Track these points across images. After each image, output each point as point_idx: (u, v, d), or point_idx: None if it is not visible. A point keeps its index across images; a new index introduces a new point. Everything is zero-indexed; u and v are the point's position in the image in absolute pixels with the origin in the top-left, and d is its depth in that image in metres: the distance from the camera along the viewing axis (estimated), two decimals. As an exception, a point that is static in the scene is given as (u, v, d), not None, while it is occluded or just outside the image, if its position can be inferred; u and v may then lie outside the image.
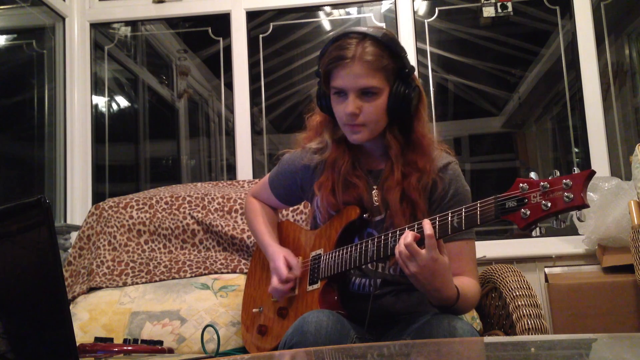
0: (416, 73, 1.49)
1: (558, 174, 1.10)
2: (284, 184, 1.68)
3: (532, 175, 1.13)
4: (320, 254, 1.51)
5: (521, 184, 1.13)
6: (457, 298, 1.30)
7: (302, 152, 1.62)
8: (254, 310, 1.67)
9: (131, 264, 2.13)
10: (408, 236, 1.24)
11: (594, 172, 1.08)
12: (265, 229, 1.69)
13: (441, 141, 1.55)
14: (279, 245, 1.63)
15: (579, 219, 1.09)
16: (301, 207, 2.11)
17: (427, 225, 1.23)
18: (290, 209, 2.12)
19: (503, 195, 1.15)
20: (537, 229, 1.14)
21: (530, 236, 2.71)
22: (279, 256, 1.56)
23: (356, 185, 1.48)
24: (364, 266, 1.46)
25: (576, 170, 1.09)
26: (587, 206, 1.07)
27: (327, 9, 3.23)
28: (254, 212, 1.76)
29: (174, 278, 2.08)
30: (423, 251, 1.22)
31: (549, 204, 1.08)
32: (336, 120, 1.51)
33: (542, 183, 1.10)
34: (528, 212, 1.11)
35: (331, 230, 1.52)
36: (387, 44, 1.40)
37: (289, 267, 1.53)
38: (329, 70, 1.42)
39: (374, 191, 1.50)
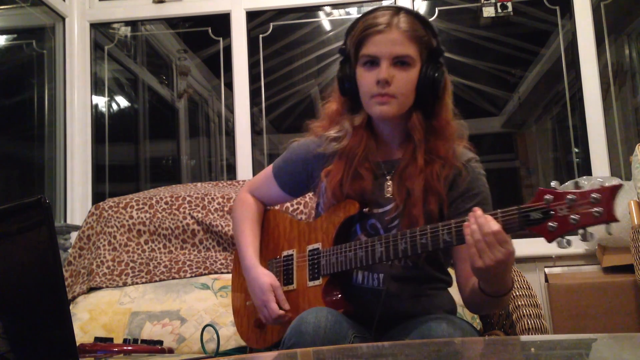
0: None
1: (582, 184, 1.10)
2: (292, 170, 1.58)
3: (554, 184, 1.12)
4: (318, 248, 1.47)
5: (545, 196, 1.12)
6: (510, 288, 1.28)
7: (317, 139, 1.55)
8: (247, 303, 1.62)
9: (131, 264, 2.13)
10: (495, 223, 1.17)
11: (621, 186, 1.08)
12: (251, 241, 1.58)
13: (462, 137, 1.48)
14: (262, 270, 1.52)
15: (608, 232, 1.07)
16: (301, 206, 2.11)
17: (493, 222, 1.17)
18: (290, 209, 2.12)
19: (527, 206, 1.14)
20: (563, 240, 1.12)
21: (530, 236, 2.70)
22: (267, 288, 1.47)
23: (362, 177, 1.43)
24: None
25: (581, 183, 1.09)
26: (617, 220, 1.06)
27: (327, 9, 3.24)
28: (245, 213, 1.63)
29: (174, 278, 2.09)
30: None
31: (578, 218, 1.08)
32: (356, 106, 1.45)
33: (568, 196, 1.09)
34: (555, 225, 1.10)
35: (328, 224, 1.48)
36: (422, 18, 1.40)
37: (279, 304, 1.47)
38: (362, 38, 1.37)
39: (388, 181, 1.45)
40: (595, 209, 1.06)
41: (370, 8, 1.52)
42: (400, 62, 1.36)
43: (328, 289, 1.43)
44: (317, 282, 1.45)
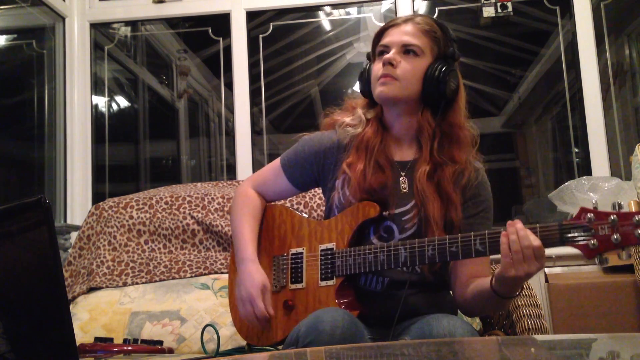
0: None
1: (622, 205, 1.13)
2: (304, 163, 1.57)
3: (595, 203, 1.17)
4: (332, 248, 1.45)
5: (588, 214, 1.16)
6: (521, 290, 1.32)
7: (329, 133, 1.57)
8: None
9: (131, 264, 2.13)
10: (535, 238, 1.19)
11: None
12: (251, 237, 1.55)
13: (474, 145, 1.50)
14: (260, 268, 1.50)
15: (628, 254, 1.13)
16: (301, 207, 2.11)
17: (533, 237, 1.21)
18: (288, 205, 2.11)
19: (568, 223, 1.18)
20: (601, 258, 1.16)
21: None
22: (259, 286, 1.45)
23: (384, 170, 1.45)
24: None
25: (621, 204, 1.13)
26: None
27: (327, 9, 3.24)
28: (246, 208, 1.59)
29: (174, 278, 2.09)
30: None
31: (620, 238, 1.12)
32: (373, 103, 1.52)
33: (611, 216, 1.14)
34: (596, 243, 1.15)
35: (344, 224, 1.46)
36: (440, 22, 1.49)
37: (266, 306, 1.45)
38: (380, 33, 1.49)
39: (402, 178, 1.47)
40: (639, 230, 1.11)
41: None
42: (409, 50, 1.43)
43: (341, 290, 1.42)
44: (330, 283, 1.43)
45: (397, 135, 1.51)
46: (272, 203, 1.66)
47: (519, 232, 1.19)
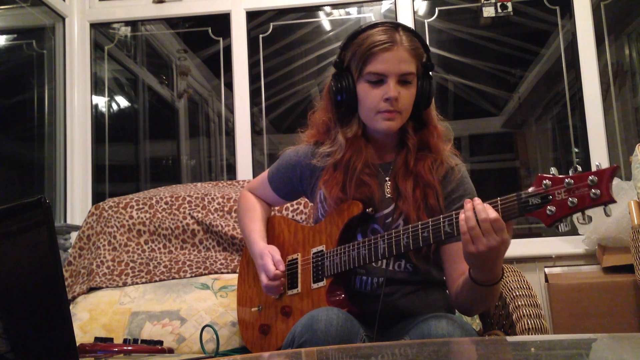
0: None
1: (580, 169, 1.11)
2: (284, 177, 1.64)
3: (553, 171, 1.14)
4: (322, 250, 1.48)
5: (544, 181, 1.13)
6: (500, 277, 1.29)
7: (307, 148, 1.60)
8: (253, 309, 1.65)
9: (131, 264, 2.13)
10: (493, 211, 1.18)
11: (618, 168, 1.09)
12: (254, 226, 1.65)
13: (449, 140, 1.54)
14: (265, 244, 1.60)
15: (606, 214, 1.08)
16: (301, 207, 2.11)
17: (491, 210, 1.20)
18: (290, 209, 2.12)
19: (526, 192, 1.16)
20: (562, 224, 1.13)
21: (530, 236, 2.71)
22: (266, 252, 1.53)
23: (368, 184, 1.46)
24: (373, 263, 1.44)
25: (579, 168, 1.11)
26: (614, 201, 1.07)
27: (327, 9, 3.24)
28: (247, 206, 1.71)
29: (174, 278, 2.09)
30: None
31: (576, 201, 1.09)
32: (347, 118, 1.50)
33: (566, 180, 1.10)
34: (554, 209, 1.11)
35: (332, 226, 1.49)
36: (417, 33, 1.47)
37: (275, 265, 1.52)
38: (369, 55, 1.40)
39: (387, 182, 1.49)
40: (593, 190, 1.07)
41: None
42: (404, 79, 1.42)
43: (332, 290, 1.43)
44: (321, 284, 1.45)
45: (379, 143, 1.54)
46: (272, 215, 1.74)
47: (476, 207, 1.19)
